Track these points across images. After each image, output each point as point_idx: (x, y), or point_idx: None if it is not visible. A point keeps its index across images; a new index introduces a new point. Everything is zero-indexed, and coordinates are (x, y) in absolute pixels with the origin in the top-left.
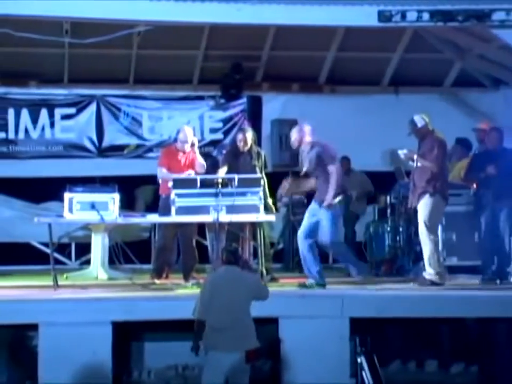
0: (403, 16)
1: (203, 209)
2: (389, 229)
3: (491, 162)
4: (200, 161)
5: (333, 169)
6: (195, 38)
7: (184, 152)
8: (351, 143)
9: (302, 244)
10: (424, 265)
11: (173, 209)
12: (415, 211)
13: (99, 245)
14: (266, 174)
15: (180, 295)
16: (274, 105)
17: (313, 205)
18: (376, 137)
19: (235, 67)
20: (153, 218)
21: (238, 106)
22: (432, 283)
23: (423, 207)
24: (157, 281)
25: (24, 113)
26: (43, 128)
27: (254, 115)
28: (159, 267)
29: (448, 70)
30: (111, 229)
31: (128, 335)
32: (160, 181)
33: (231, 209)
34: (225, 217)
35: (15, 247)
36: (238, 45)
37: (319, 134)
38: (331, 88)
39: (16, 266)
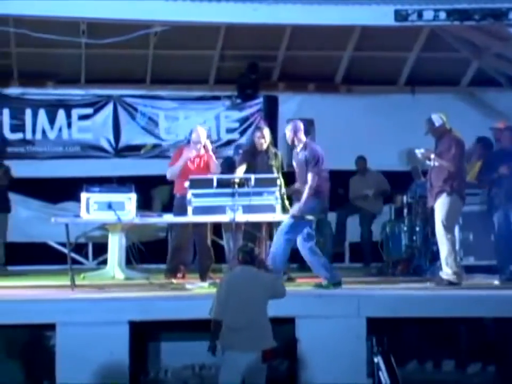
0: (419, 15)
1: (219, 209)
2: (405, 228)
3: (504, 162)
4: (214, 160)
5: (311, 178)
6: (211, 38)
7: (198, 154)
8: (368, 143)
9: (303, 250)
10: (441, 265)
11: (190, 209)
12: (432, 210)
13: (116, 245)
14: (282, 174)
15: (196, 295)
16: (290, 105)
17: None
18: (392, 137)
19: (251, 67)
20: (169, 218)
21: (254, 106)
22: (449, 283)
23: (440, 206)
24: (174, 280)
25: (42, 113)
26: (60, 129)
27: (270, 115)
28: (173, 267)
29: (465, 69)
30: (128, 229)
31: (145, 335)
32: (174, 180)
33: (247, 209)
34: (241, 217)
35: (33, 247)
36: (254, 45)
37: (335, 133)
38: (347, 88)
39: (34, 266)
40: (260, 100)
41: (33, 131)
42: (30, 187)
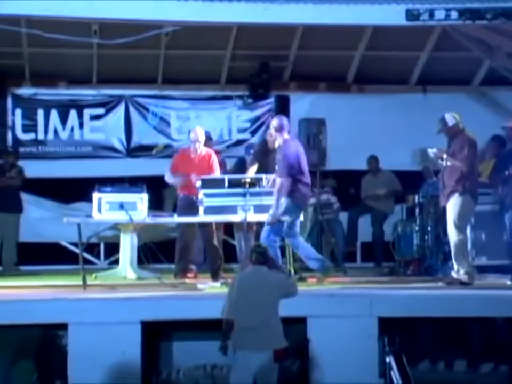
0: (431, 14)
1: (231, 209)
2: (417, 228)
3: None
4: (215, 159)
5: (278, 181)
6: (222, 38)
7: (199, 154)
8: (379, 142)
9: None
10: (452, 264)
11: (201, 209)
12: (444, 210)
13: (128, 245)
14: None
15: (208, 295)
16: (301, 105)
17: None
18: (403, 137)
19: (262, 67)
20: (181, 218)
21: (266, 105)
22: (461, 283)
23: (452, 206)
24: (187, 280)
25: (54, 113)
26: (72, 129)
27: (282, 114)
28: (182, 268)
29: (477, 69)
30: (140, 228)
31: (157, 335)
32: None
33: (259, 209)
34: (253, 217)
35: (45, 247)
36: (265, 45)
37: (347, 133)
38: (359, 87)
39: (46, 266)
40: (271, 99)
41: (45, 131)
42: (42, 187)
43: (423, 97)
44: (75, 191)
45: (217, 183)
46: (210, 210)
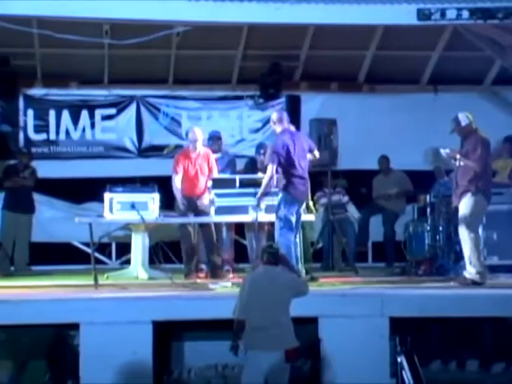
0: (442, 14)
1: (242, 209)
2: (428, 228)
3: None
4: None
5: (269, 167)
6: (234, 38)
7: (198, 154)
8: (390, 142)
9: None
10: (464, 264)
11: (212, 209)
12: (456, 210)
13: (139, 245)
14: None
15: (219, 295)
16: (312, 105)
17: None
18: (415, 136)
19: (273, 66)
20: (192, 218)
21: (277, 105)
22: (473, 282)
23: (465, 206)
24: (198, 280)
25: (65, 114)
26: (84, 129)
27: (293, 114)
28: (191, 269)
29: (488, 68)
30: (151, 228)
31: (169, 335)
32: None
33: (270, 209)
34: (264, 217)
35: (57, 247)
36: (276, 45)
37: (358, 133)
38: (370, 87)
39: (58, 266)
40: (282, 99)
41: (57, 131)
42: (54, 187)
43: (434, 97)
44: (87, 191)
45: (229, 183)
46: (221, 210)
